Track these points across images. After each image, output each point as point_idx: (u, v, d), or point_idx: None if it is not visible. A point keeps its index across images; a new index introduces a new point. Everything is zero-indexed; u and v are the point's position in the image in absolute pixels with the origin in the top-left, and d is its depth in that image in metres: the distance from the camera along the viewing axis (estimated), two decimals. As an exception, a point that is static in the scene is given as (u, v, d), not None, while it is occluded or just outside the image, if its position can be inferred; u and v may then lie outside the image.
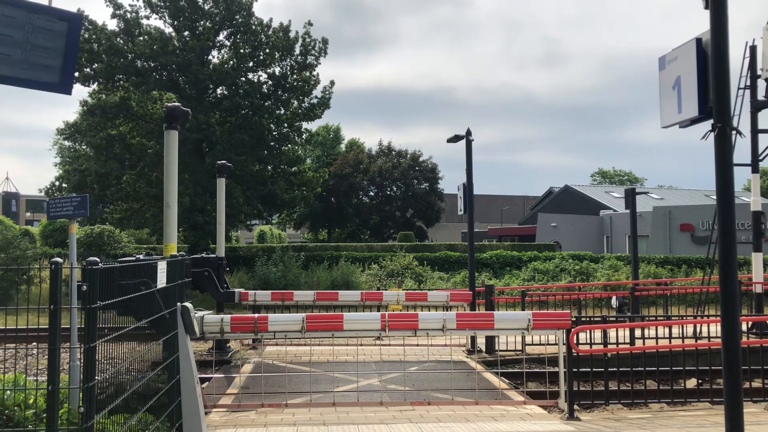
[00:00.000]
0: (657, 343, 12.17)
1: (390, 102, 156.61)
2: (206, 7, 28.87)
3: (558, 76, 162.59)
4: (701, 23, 4.92)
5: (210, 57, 29.56)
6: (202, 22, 28.84)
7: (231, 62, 29.31)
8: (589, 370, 9.41)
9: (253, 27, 29.21)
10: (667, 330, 11.74)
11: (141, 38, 27.92)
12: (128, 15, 28.17)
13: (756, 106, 15.03)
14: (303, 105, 30.34)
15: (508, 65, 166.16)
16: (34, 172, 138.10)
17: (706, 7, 4.82)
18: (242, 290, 13.63)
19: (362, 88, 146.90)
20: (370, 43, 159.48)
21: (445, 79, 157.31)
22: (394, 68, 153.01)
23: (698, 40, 5.04)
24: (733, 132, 4.91)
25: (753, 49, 15.14)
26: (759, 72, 14.99)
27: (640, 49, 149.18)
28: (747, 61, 15.19)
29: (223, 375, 10.89)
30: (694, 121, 5.20)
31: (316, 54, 29.93)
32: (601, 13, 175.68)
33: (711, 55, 4.84)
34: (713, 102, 4.82)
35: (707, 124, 4.93)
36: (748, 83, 15.16)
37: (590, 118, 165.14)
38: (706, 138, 4.92)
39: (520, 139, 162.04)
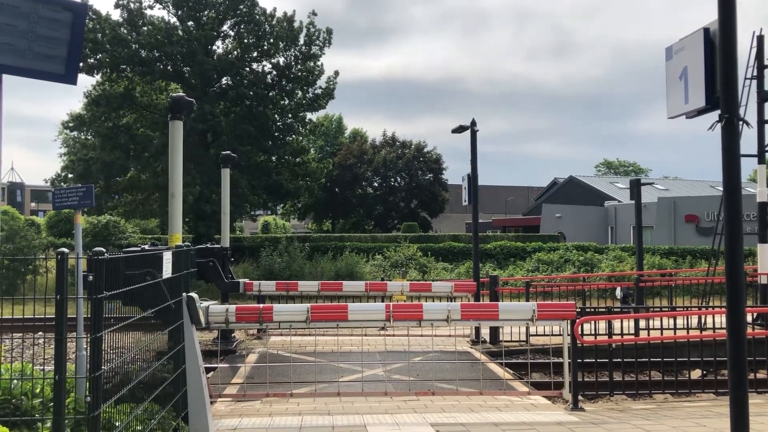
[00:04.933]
0: (662, 334, 12.17)
1: (399, 92, 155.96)
2: (210, -3, 28.84)
3: (567, 66, 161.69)
4: (710, 13, 4.88)
5: (214, 47, 29.53)
6: (206, 12, 28.78)
7: (235, 52, 29.27)
8: (594, 360, 9.41)
9: (257, 17, 29.14)
10: (671, 321, 11.73)
11: (145, 28, 27.89)
12: (132, 5, 28.12)
13: (763, 97, 14.92)
14: (307, 95, 30.32)
15: (518, 55, 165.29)
16: (40, 163, 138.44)
17: (714, -3, 4.78)
18: (247, 280, 13.66)
19: (372, 79, 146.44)
20: (381, 34, 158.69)
21: (455, 69, 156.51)
22: (404, 58, 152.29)
23: (706, 30, 5.00)
24: (740, 122, 4.86)
25: (760, 39, 15.03)
26: (766, 62, 14.89)
27: (649, 39, 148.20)
28: (754, 51, 15.09)
29: (228, 365, 10.93)
30: (700, 112, 5.16)
31: (321, 44, 29.86)
32: (614, 1, 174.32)
33: (718, 45, 4.80)
34: (720, 92, 4.79)
35: (714, 115, 4.90)
36: (755, 73, 15.06)
37: (597, 109, 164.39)
38: (713, 128, 4.89)
39: (526, 129, 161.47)
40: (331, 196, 55.04)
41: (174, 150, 7.96)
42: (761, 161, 15.15)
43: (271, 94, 29.58)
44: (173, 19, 29.29)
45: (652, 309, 13.05)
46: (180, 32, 28.47)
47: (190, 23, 28.94)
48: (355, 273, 25.76)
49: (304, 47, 29.67)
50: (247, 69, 29.51)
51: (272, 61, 29.94)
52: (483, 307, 9.59)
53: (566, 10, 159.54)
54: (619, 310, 11.81)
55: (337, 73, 30.63)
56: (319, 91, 30.39)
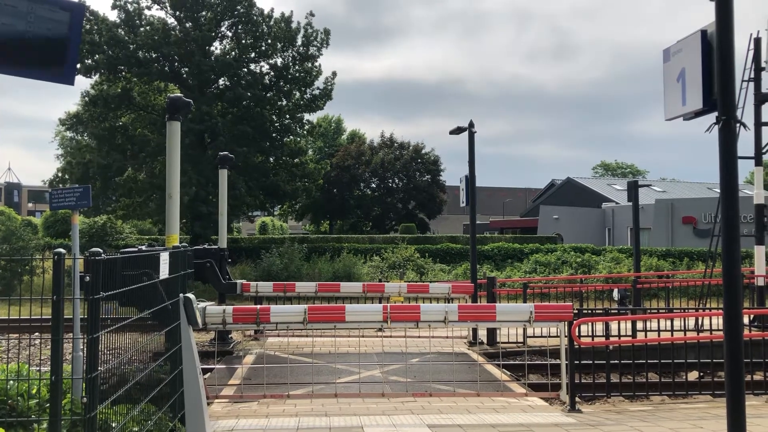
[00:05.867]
0: (659, 335, 12.18)
1: (398, 94, 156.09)
2: (207, -2, 28.81)
3: (566, 68, 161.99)
4: (708, 15, 4.88)
5: (212, 48, 29.51)
6: (203, 13, 28.77)
7: (233, 53, 29.26)
8: (591, 362, 9.42)
9: (255, 17, 29.14)
10: (668, 323, 11.73)
11: (143, 29, 27.87)
12: (129, 6, 28.11)
13: (760, 99, 14.94)
14: (305, 96, 30.30)
15: (517, 57, 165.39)
16: (38, 163, 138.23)
17: (712, -1, 4.78)
18: (244, 281, 13.64)
19: (371, 80, 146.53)
20: (380, 35, 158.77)
21: (454, 71, 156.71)
22: (404, 60, 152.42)
23: (703, 32, 5.00)
24: (738, 124, 4.87)
25: (757, 41, 15.05)
26: (763, 64, 14.92)
27: (648, 41, 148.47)
28: (751, 53, 15.10)
29: (225, 366, 10.92)
30: (698, 114, 5.16)
31: (318, 45, 29.86)
32: (614, 3, 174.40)
33: (716, 48, 4.80)
34: (717, 94, 4.79)
35: (711, 117, 4.90)
36: (752, 75, 15.08)
37: (595, 111, 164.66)
38: (710, 130, 4.89)
39: (524, 131, 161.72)
40: (328, 197, 55.04)
41: (171, 151, 7.94)
42: (758, 163, 15.17)
43: (268, 94, 29.55)
44: (171, 20, 29.30)
45: (649, 310, 13.07)
46: (177, 33, 28.44)
47: (187, 24, 28.92)
48: (352, 274, 25.75)
49: (301, 48, 29.66)
50: (245, 70, 29.49)
51: (270, 61, 29.93)
52: (480, 308, 9.58)
53: (566, 12, 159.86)
54: (616, 311, 11.81)
55: (334, 74, 30.64)
56: (316, 92, 30.37)
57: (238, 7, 28.99)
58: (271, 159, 31.27)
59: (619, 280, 21.25)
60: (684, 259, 29.22)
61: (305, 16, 30.08)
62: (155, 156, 27.15)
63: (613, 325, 11.13)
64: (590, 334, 10.46)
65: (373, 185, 58.46)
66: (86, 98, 29.92)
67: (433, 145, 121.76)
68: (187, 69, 28.68)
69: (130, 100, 28.54)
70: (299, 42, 29.60)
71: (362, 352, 11.35)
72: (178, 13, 28.98)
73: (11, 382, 5.12)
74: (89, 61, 27.17)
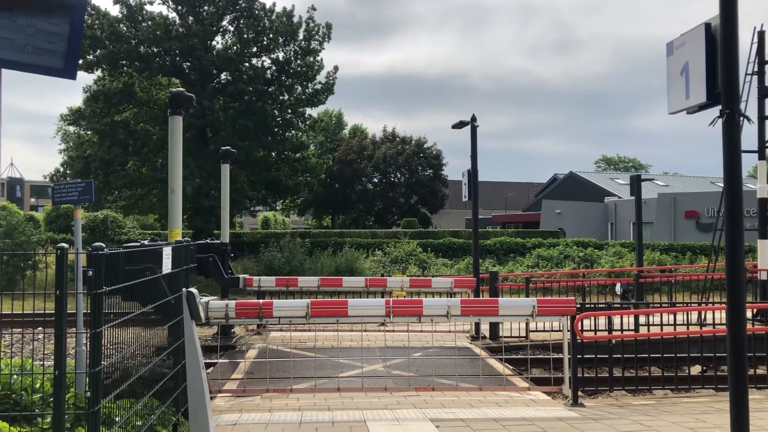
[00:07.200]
0: (661, 329, 12.16)
1: (400, 88, 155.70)
2: (209, -8, 28.77)
3: (569, 62, 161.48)
4: (712, 8, 4.85)
5: (214, 42, 29.49)
6: (205, 8, 28.73)
7: (235, 48, 29.22)
8: (594, 356, 9.41)
9: (256, 12, 29.10)
10: (671, 317, 11.72)
11: (144, 24, 27.84)
12: (131, 1, 28.07)
13: (763, 93, 14.89)
14: (307, 91, 30.29)
15: (520, 51, 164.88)
16: (41, 158, 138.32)
17: (716, -8, 4.76)
18: (247, 276, 13.65)
19: (373, 74, 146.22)
20: (382, 29, 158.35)
21: (457, 65, 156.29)
22: (406, 54, 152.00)
23: (707, 25, 4.97)
24: (741, 118, 4.84)
25: (761, 35, 14.99)
26: (767, 58, 14.86)
27: (651, 35, 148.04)
28: (755, 46, 15.05)
29: (228, 360, 10.94)
30: (701, 107, 5.14)
31: (320, 39, 29.82)
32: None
33: (719, 41, 4.78)
34: (721, 88, 4.77)
35: (715, 110, 4.88)
36: (756, 69, 15.03)
37: (598, 105, 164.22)
38: (713, 124, 4.87)
39: (527, 126, 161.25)
40: (330, 191, 54.98)
41: (173, 145, 7.94)
42: (761, 157, 15.13)
43: (270, 89, 29.53)
44: (173, 15, 29.28)
45: (651, 305, 13.06)
46: (179, 28, 28.41)
47: (189, 19, 28.89)
48: (354, 269, 25.78)
49: (303, 42, 29.62)
50: (247, 64, 29.46)
51: (271, 56, 29.90)
52: (483, 302, 9.59)
53: (569, 6, 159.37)
54: (619, 305, 11.80)
55: (336, 68, 30.60)
56: (318, 86, 30.35)
57: (240, 2, 28.95)
58: (272, 154, 31.27)
59: (621, 274, 21.24)
60: (687, 254, 29.22)
61: (307, 10, 30.03)
62: (157, 151, 27.16)
63: (616, 320, 11.13)
64: (593, 328, 10.47)
65: (375, 180, 58.37)
66: (88, 94, 29.91)
67: (436, 140, 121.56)
68: (188, 64, 28.66)
69: (131, 95, 28.53)
70: (301, 36, 29.56)
71: (365, 347, 11.36)
72: (179, 7, 28.95)
73: (15, 376, 5.14)
74: (91, 57, 27.16)
